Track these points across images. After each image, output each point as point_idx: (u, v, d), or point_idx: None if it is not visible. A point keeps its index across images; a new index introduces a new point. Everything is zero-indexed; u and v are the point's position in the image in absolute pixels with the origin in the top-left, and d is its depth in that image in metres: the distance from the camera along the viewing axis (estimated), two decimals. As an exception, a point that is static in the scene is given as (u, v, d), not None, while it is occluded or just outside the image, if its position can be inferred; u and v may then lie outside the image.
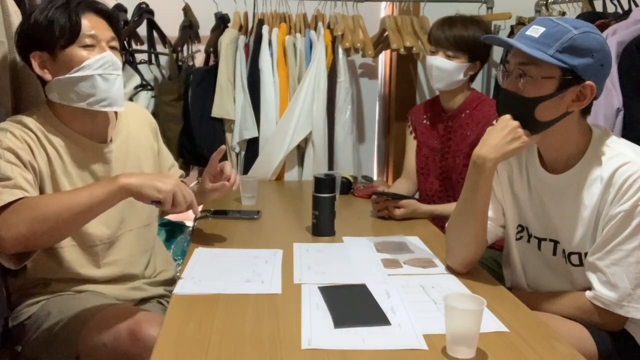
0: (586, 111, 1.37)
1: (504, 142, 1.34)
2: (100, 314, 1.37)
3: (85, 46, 1.43)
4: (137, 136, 1.66)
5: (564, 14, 2.83)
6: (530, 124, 1.33)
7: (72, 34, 1.42)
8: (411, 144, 2.33)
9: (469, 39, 2.03)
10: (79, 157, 1.49)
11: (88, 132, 1.52)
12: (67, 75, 1.42)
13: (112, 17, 1.51)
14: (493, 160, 1.36)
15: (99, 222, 1.49)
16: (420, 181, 2.28)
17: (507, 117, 1.35)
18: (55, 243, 1.42)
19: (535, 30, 1.30)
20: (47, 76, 1.45)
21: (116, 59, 1.47)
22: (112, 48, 1.48)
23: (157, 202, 1.34)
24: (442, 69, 2.07)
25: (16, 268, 1.38)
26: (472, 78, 2.15)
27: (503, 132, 1.34)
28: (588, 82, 1.28)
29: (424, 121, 2.28)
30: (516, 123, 1.34)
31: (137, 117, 1.70)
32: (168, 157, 1.84)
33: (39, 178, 1.41)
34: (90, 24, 1.44)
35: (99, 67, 1.43)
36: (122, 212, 1.57)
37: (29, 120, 1.44)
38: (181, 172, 1.90)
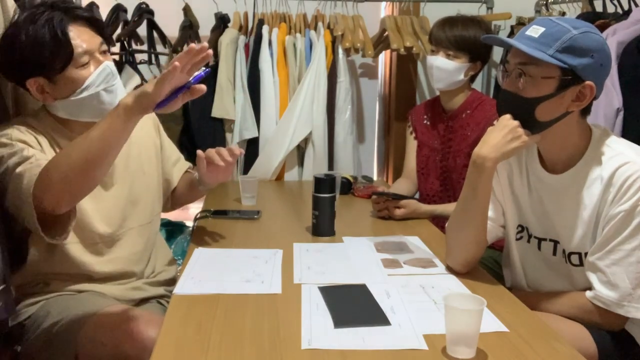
0: (586, 111, 1.37)
1: (504, 142, 1.34)
2: (99, 315, 1.37)
3: (82, 65, 1.39)
4: (138, 134, 1.65)
5: (564, 14, 2.83)
6: (530, 124, 1.33)
7: (66, 56, 1.37)
8: (411, 144, 2.33)
9: (469, 39, 2.03)
10: None
11: None
12: (72, 98, 1.41)
13: (93, 19, 1.46)
14: (493, 160, 1.36)
15: (100, 220, 1.50)
16: (421, 181, 2.28)
17: (507, 116, 1.35)
18: (95, 186, 1.34)
19: (535, 30, 1.30)
20: (49, 100, 1.43)
21: (112, 65, 1.44)
22: (104, 52, 1.45)
23: (164, 103, 1.21)
24: (443, 68, 2.07)
25: (63, 239, 1.34)
26: (472, 78, 2.15)
27: (503, 131, 1.34)
28: (588, 82, 1.28)
29: (425, 121, 2.28)
30: (516, 123, 1.34)
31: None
32: (173, 152, 1.84)
33: None
34: (79, 38, 1.39)
35: (101, 82, 1.41)
36: (124, 210, 1.57)
37: (33, 122, 1.44)
38: (189, 164, 1.90)
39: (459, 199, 1.47)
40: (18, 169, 1.30)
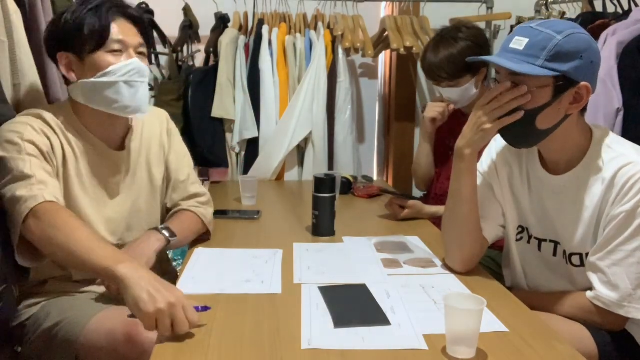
0: (583, 110, 1.36)
1: (472, 134, 1.39)
2: (98, 317, 1.36)
3: (113, 51, 1.42)
4: (150, 143, 1.64)
5: (564, 14, 2.83)
6: (532, 134, 1.33)
7: (101, 38, 1.41)
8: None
9: (459, 58, 1.98)
10: (93, 160, 1.49)
11: (105, 136, 1.51)
12: (92, 80, 1.42)
13: (143, 23, 1.50)
14: (468, 149, 1.40)
15: (104, 229, 1.50)
16: (432, 180, 2.28)
17: (477, 104, 1.38)
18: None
19: (519, 42, 1.29)
20: (72, 77, 1.45)
21: (143, 66, 1.46)
22: (140, 54, 1.47)
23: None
24: (454, 96, 2.07)
25: (32, 265, 1.40)
26: (484, 78, 2.13)
27: (471, 122, 1.39)
28: (583, 83, 1.28)
29: None
30: (479, 114, 1.36)
31: (154, 123, 1.66)
32: (180, 168, 1.69)
33: (55, 170, 1.42)
34: (119, 29, 1.44)
35: (124, 74, 1.43)
36: (129, 219, 1.56)
37: (49, 117, 1.44)
38: (204, 190, 1.76)
39: (449, 193, 1.48)
40: (17, 192, 1.32)
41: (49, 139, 1.41)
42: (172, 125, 1.73)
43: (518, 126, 1.33)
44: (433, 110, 2.18)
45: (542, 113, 1.30)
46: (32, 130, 1.39)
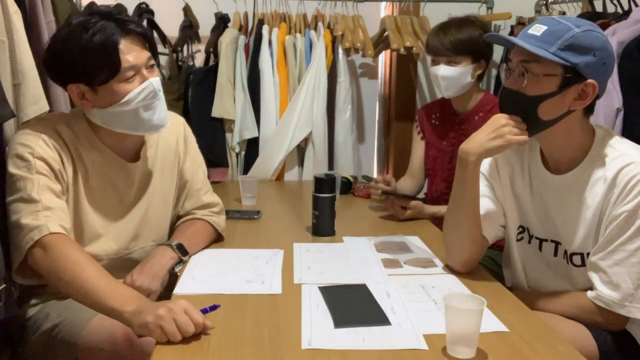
0: (589, 111, 1.36)
1: (487, 139, 1.36)
2: (98, 318, 1.35)
3: (127, 79, 1.38)
4: (166, 151, 1.62)
5: (563, 14, 2.83)
6: (532, 123, 1.33)
7: (113, 70, 1.36)
8: (418, 144, 2.31)
9: (466, 41, 2.01)
10: (105, 173, 1.48)
11: (120, 148, 1.50)
12: (109, 109, 1.40)
13: (146, 34, 1.45)
14: (474, 155, 1.37)
15: (111, 239, 1.49)
16: (428, 182, 2.28)
17: (499, 115, 1.36)
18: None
19: (537, 29, 1.30)
20: (88, 106, 1.42)
21: (156, 82, 1.42)
22: (151, 67, 1.43)
23: None
24: (448, 76, 2.05)
25: (31, 283, 1.43)
26: (480, 77, 2.12)
27: (489, 129, 1.36)
28: (590, 80, 1.28)
29: (433, 121, 2.27)
30: (503, 122, 1.34)
31: (170, 130, 1.61)
32: (195, 177, 1.69)
33: (65, 187, 1.41)
34: (128, 52, 1.37)
35: (142, 100, 1.40)
36: (137, 229, 1.55)
37: (63, 128, 1.43)
38: (217, 200, 1.75)
39: (451, 196, 1.47)
40: (23, 219, 1.31)
41: (59, 154, 1.39)
42: (189, 130, 1.71)
43: (520, 112, 1.33)
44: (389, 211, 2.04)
45: (545, 102, 1.30)
46: (44, 144, 1.37)
